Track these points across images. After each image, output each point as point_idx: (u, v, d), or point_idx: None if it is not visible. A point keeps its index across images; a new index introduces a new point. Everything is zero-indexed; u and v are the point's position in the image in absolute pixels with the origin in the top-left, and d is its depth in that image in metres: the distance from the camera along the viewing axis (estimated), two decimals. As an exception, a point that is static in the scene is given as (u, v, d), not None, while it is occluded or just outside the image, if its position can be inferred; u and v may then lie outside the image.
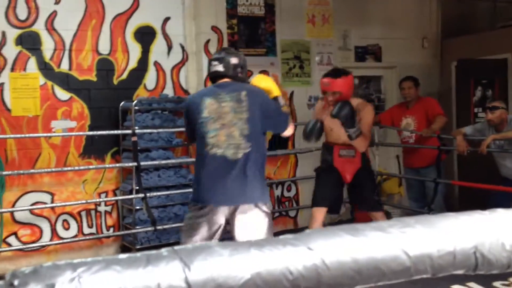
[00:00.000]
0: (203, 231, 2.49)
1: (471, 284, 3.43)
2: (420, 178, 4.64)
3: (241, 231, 2.43)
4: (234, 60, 2.60)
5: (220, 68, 2.59)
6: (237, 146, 2.48)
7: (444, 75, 6.00)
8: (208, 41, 4.99)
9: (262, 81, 2.68)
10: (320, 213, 3.42)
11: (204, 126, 2.52)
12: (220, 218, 2.49)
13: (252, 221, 2.44)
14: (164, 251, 0.57)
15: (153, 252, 0.57)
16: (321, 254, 0.61)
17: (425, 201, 4.55)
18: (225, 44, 5.07)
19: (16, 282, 0.49)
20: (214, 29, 5.03)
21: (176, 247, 0.58)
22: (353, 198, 3.66)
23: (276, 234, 3.32)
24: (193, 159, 4.83)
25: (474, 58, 5.54)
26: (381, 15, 5.81)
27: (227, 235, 2.51)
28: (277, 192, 5.35)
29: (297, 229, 3.74)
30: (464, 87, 5.60)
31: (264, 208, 2.51)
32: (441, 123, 4.41)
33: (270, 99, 2.60)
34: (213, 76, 2.65)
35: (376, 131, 5.24)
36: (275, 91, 2.66)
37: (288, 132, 2.64)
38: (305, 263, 0.60)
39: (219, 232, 2.51)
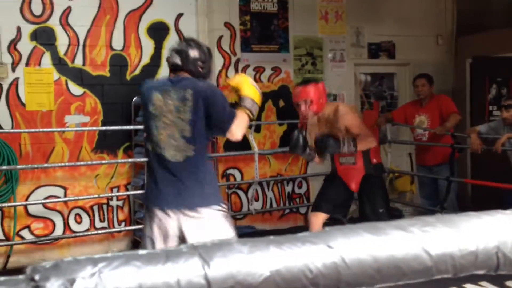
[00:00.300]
0: (148, 232, 2.35)
1: (484, 283, 3.40)
2: (433, 176, 4.60)
3: (189, 236, 2.24)
4: (194, 53, 2.35)
5: (177, 60, 2.36)
6: (177, 148, 2.30)
7: (459, 72, 5.93)
8: (221, 38, 4.99)
9: (235, 79, 2.45)
10: (316, 218, 3.29)
11: (150, 121, 2.37)
12: (158, 220, 2.32)
13: (197, 225, 2.24)
14: (183, 247, 0.57)
15: (172, 248, 0.57)
16: (341, 252, 0.61)
17: (437, 200, 4.52)
18: (238, 40, 5.06)
19: (37, 277, 0.49)
20: (227, 25, 5.02)
21: (195, 243, 0.58)
22: (359, 211, 3.51)
23: (287, 231, 3.30)
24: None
25: (490, 55, 5.47)
26: (395, 12, 5.75)
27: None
28: (288, 188, 5.34)
29: (307, 226, 3.72)
30: (479, 85, 5.53)
31: (208, 211, 2.29)
32: (454, 121, 4.36)
33: (220, 98, 2.33)
34: (172, 69, 2.44)
35: (389, 128, 5.20)
36: (245, 90, 2.37)
37: (234, 135, 2.28)
38: (325, 261, 0.60)
39: (168, 235, 2.29)
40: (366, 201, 3.28)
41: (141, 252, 0.54)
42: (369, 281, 0.61)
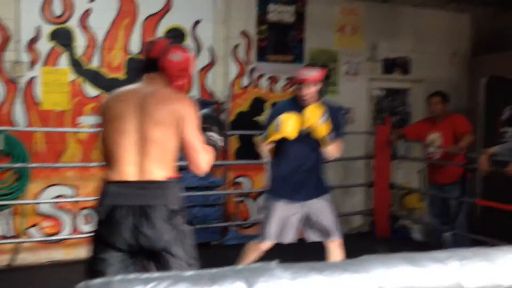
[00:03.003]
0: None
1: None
2: (442, 195, 4.57)
3: None
4: None
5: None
6: None
7: (473, 92, 5.91)
8: (236, 46, 5.02)
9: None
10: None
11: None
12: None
13: None
14: (227, 270, 0.57)
15: (216, 270, 0.57)
16: (380, 283, 0.61)
17: (447, 218, 4.49)
18: (254, 49, 5.08)
19: (89, 294, 0.49)
20: (244, 34, 5.05)
21: (238, 267, 0.58)
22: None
23: (293, 242, 3.24)
24: (215, 162, 4.87)
25: (505, 76, 5.45)
26: (412, 28, 5.76)
27: None
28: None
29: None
30: (492, 105, 5.51)
31: None
32: (468, 141, 4.34)
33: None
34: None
35: (400, 145, 5.18)
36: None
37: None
38: (364, 291, 0.60)
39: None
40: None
41: (187, 273, 0.55)
42: (406, 313, 0.62)
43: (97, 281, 0.51)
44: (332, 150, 2.96)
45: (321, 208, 3.03)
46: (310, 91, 2.95)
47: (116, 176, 2.04)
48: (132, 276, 0.53)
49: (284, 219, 3.02)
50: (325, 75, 2.97)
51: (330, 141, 2.90)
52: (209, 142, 2.24)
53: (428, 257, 0.66)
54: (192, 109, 2.11)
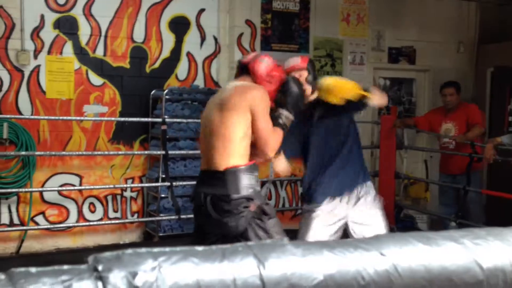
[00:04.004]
0: None
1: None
2: (448, 185, 4.55)
3: None
4: None
5: None
6: None
7: (479, 81, 5.86)
8: (241, 35, 4.98)
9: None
10: None
11: None
12: None
13: None
14: (239, 246, 0.57)
15: (228, 246, 0.56)
16: (394, 261, 0.60)
17: (457, 209, 4.47)
18: (258, 38, 5.05)
19: (100, 267, 0.49)
20: (248, 23, 5.01)
21: (249, 243, 0.58)
22: None
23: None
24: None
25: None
26: (417, 17, 5.70)
27: None
28: (301, 189, 5.32)
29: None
30: (499, 95, 5.46)
31: None
32: (476, 133, 4.29)
33: None
34: None
35: (406, 134, 5.15)
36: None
37: None
38: (377, 269, 0.59)
39: None
40: None
41: (198, 248, 0.54)
42: (420, 291, 0.61)
43: (108, 253, 0.50)
44: (379, 99, 2.56)
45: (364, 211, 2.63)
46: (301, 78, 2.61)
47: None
48: (143, 249, 0.52)
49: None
50: (308, 61, 2.62)
51: (370, 91, 2.49)
52: (277, 123, 2.27)
53: (442, 235, 0.65)
54: (261, 93, 2.18)
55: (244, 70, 2.36)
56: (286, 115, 2.32)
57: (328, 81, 2.50)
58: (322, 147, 2.65)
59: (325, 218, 2.59)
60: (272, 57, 2.42)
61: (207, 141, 2.24)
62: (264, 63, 2.32)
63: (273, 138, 2.22)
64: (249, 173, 2.17)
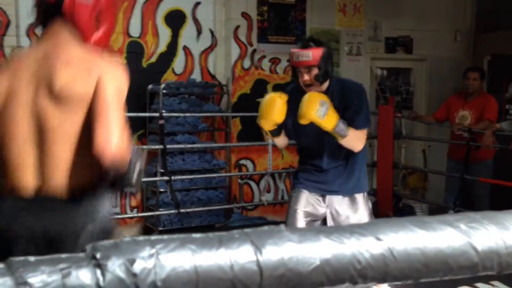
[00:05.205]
0: None
1: (496, 282, 3.38)
2: (449, 175, 4.54)
3: None
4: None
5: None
6: None
7: (476, 70, 5.85)
8: (237, 27, 4.97)
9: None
10: None
11: None
12: None
13: None
14: (235, 233, 0.57)
15: (224, 233, 0.57)
16: (389, 245, 0.61)
17: (462, 197, 4.47)
18: (255, 31, 5.04)
19: (98, 255, 0.49)
20: (244, 15, 5.00)
21: (246, 230, 0.58)
22: None
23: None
24: (218, 144, 4.89)
25: (509, 54, 5.40)
26: (413, 6, 5.69)
27: None
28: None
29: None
30: (496, 83, 5.47)
31: None
32: (484, 126, 4.27)
33: None
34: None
35: (404, 124, 5.17)
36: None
37: None
38: (373, 253, 0.60)
39: None
40: None
41: (194, 235, 0.55)
42: (416, 275, 0.61)
43: (106, 242, 0.51)
44: (349, 143, 2.31)
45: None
46: (309, 76, 2.33)
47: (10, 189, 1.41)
48: (141, 237, 0.53)
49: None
50: (325, 53, 2.32)
51: (340, 134, 2.24)
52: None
53: (437, 220, 0.65)
54: (116, 75, 1.47)
55: (52, 10, 1.48)
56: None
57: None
58: (321, 140, 2.39)
59: (306, 214, 2.46)
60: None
61: (34, 144, 1.41)
62: None
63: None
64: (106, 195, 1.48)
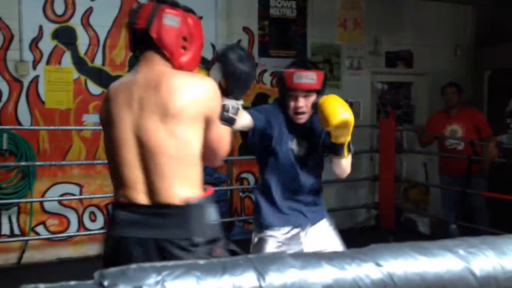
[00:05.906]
0: None
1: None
2: (446, 188, 4.55)
3: None
4: None
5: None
6: None
7: (477, 84, 5.89)
8: (239, 42, 5.02)
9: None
10: None
11: None
12: None
13: None
14: (239, 259, 0.59)
15: (228, 259, 0.58)
16: (389, 270, 0.62)
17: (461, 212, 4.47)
18: (256, 45, 5.08)
19: (106, 283, 0.51)
20: (246, 30, 5.05)
21: (250, 256, 0.60)
22: None
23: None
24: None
25: (509, 68, 5.43)
26: (414, 21, 5.74)
27: None
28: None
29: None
30: (497, 97, 5.50)
31: None
32: (488, 140, 4.30)
33: None
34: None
35: (405, 137, 5.18)
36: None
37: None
38: (373, 278, 0.61)
39: None
40: None
41: (199, 261, 0.56)
42: (416, 300, 0.62)
43: (113, 269, 0.52)
44: (347, 164, 2.17)
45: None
46: (306, 102, 2.11)
47: (124, 199, 1.52)
48: (147, 264, 0.54)
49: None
50: (325, 78, 2.15)
51: (349, 149, 2.10)
52: (224, 117, 1.64)
53: (436, 245, 0.66)
54: (213, 94, 1.53)
55: (142, 40, 1.58)
56: (233, 105, 1.67)
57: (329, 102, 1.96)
58: (294, 169, 2.19)
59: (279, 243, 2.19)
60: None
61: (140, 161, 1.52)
62: (172, 23, 1.56)
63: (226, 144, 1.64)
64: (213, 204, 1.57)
